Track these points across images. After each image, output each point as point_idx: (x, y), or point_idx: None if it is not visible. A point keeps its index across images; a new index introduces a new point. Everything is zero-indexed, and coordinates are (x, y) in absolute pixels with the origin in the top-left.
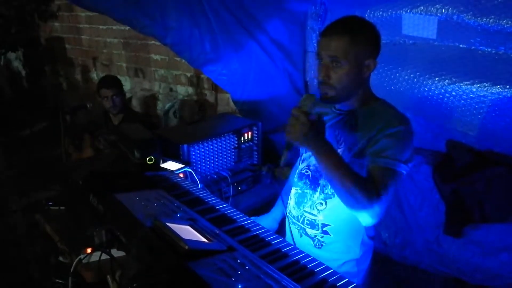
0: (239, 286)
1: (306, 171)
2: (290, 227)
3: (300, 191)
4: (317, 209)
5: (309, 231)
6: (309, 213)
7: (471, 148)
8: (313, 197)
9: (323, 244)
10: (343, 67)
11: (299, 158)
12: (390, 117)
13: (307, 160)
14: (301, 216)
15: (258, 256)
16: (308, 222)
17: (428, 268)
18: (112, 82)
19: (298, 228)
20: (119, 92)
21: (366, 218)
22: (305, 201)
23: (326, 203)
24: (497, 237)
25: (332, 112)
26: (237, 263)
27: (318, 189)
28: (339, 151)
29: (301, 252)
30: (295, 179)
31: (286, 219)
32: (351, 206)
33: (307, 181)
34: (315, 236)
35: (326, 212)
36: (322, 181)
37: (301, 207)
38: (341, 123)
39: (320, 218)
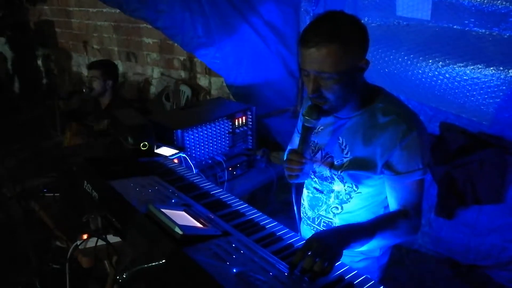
0: (234, 270)
1: (313, 178)
2: (304, 227)
3: (311, 195)
4: (333, 213)
5: None
6: (325, 216)
7: (464, 130)
8: (329, 201)
9: None
10: (334, 80)
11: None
12: (399, 123)
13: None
14: (317, 218)
15: (253, 240)
16: (325, 225)
17: (421, 249)
18: (100, 64)
19: (314, 229)
20: (107, 75)
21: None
22: (320, 204)
23: (342, 208)
24: (488, 219)
25: (332, 116)
26: (232, 247)
27: (332, 195)
28: (346, 160)
29: (295, 235)
30: (306, 181)
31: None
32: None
33: (318, 186)
34: None
35: (342, 215)
36: (335, 187)
37: (316, 210)
38: (343, 128)
39: (336, 221)
